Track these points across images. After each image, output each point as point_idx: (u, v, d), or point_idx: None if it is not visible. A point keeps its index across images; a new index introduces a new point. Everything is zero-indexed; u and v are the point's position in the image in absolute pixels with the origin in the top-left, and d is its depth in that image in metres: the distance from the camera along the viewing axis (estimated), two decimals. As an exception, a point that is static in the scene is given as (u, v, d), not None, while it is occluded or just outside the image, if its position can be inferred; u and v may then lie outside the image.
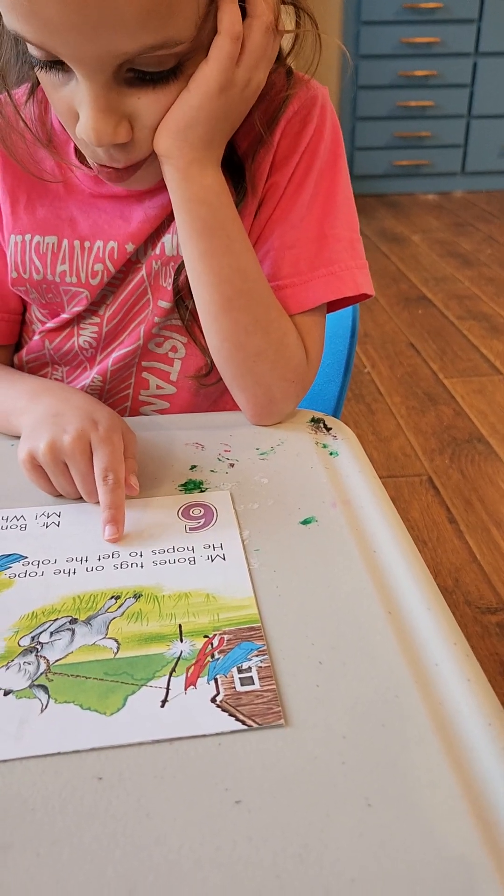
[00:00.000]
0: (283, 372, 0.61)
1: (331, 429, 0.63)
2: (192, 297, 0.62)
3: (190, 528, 0.50)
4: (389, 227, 3.27)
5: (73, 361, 0.69)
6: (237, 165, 0.61)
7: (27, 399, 0.60)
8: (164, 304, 0.65)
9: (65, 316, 0.67)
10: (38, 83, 0.60)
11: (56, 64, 0.49)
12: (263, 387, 0.61)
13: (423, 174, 3.80)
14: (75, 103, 0.51)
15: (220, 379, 0.64)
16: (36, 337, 0.70)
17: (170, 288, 0.64)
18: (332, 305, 0.66)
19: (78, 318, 0.67)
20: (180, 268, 0.63)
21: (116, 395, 0.69)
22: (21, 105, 0.62)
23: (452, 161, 3.77)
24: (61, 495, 0.53)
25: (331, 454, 0.59)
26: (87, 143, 0.51)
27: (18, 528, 0.50)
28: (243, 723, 0.36)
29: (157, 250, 0.64)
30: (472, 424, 1.80)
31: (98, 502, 0.51)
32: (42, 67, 0.50)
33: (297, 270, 0.62)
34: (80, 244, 0.64)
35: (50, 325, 0.68)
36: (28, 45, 0.49)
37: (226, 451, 0.59)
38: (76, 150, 0.62)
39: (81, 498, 0.53)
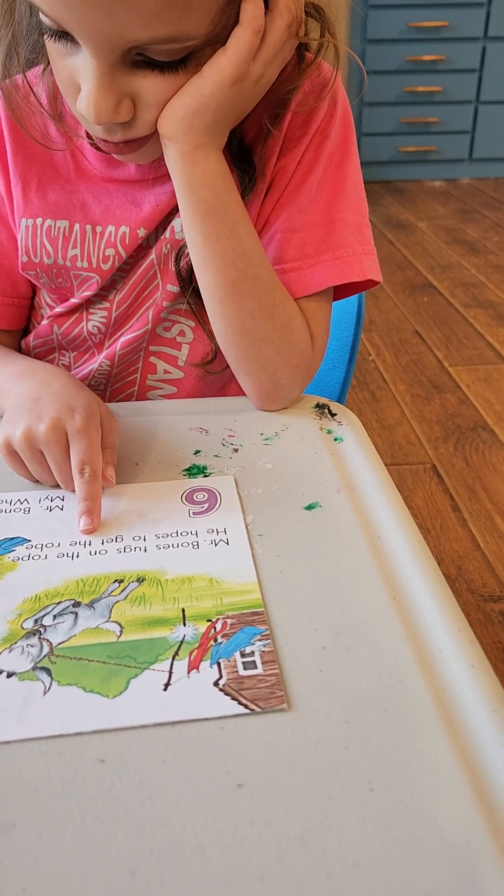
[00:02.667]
0: (288, 357, 0.60)
1: (335, 414, 0.62)
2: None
3: (193, 513, 0.50)
4: (395, 214, 3.25)
5: (81, 347, 0.69)
6: (245, 150, 0.60)
7: (12, 381, 0.59)
8: (173, 287, 0.64)
9: (74, 300, 0.66)
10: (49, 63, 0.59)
11: (66, 35, 0.49)
12: (269, 372, 0.61)
13: (429, 160, 3.77)
14: (79, 76, 0.50)
15: (227, 366, 0.64)
16: (44, 322, 0.69)
17: (177, 270, 0.64)
18: (339, 293, 0.65)
19: (87, 303, 0.67)
20: (180, 251, 0.62)
21: (124, 379, 0.69)
22: (35, 84, 0.61)
23: (460, 147, 3.74)
24: (38, 481, 0.53)
25: (335, 440, 0.59)
26: (86, 118, 0.51)
27: (22, 511, 0.50)
28: (246, 707, 0.36)
29: (167, 234, 0.63)
30: (476, 413, 1.79)
31: (74, 491, 0.50)
32: (52, 36, 0.50)
33: (304, 254, 0.61)
34: (92, 229, 0.63)
35: (59, 309, 0.68)
36: (41, 13, 0.49)
37: (230, 436, 0.59)
38: (87, 133, 0.61)
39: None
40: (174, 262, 0.63)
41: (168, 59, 0.50)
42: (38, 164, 0.64)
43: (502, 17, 3.46)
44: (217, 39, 0.51)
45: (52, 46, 0.51)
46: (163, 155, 0.56)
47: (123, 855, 0.31)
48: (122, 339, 0.67)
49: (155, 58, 0.49)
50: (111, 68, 0.49)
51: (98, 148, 0.61)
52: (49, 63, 0.60)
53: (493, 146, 3.76)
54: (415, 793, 0.33)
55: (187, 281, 0.63)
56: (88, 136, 0.62)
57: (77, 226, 0.64)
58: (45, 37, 0.51)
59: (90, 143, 0.62)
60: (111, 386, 0.69)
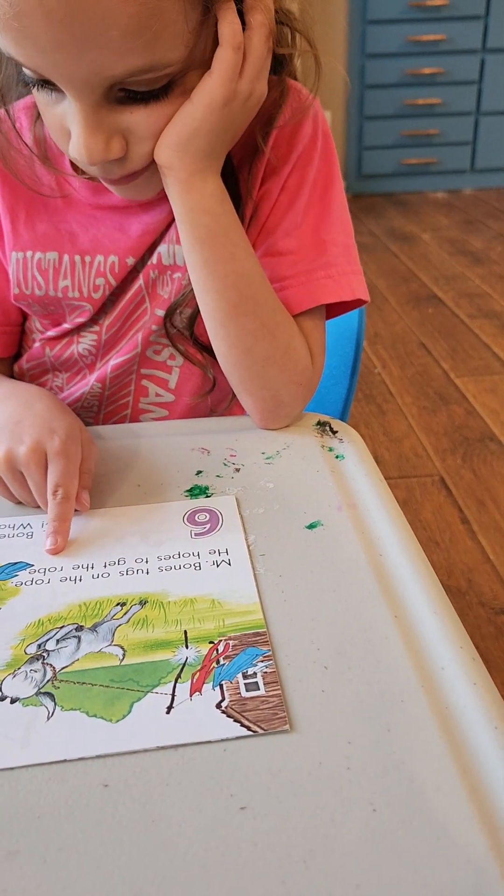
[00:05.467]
0: (291, 375, 0.61)
1: (337, 432, 0.63)
2: (179, 321, 0.64)
3: (195, 534, 0.50)
4: (398, 226, 3.26)
5: (73, 368, 0.70)
6: (230, 174, 0.61)
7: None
8: (161, 312, 0.65)
9: (66, 326, 0.67)
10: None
11: (48, 84, 0.50)
12: (271, 390, 0.61)
13: (431, 172, 3.78)
14: (67, 122, 0.51)
15: (213, 388, 0.65)
16: (36, 344, 0.70)
17: (167, 296, 0.65)
18: (329, 313, 0.66)
19: (77, 327, 0.68)
20: (177, 302, 0.64)
21: (117, 402, 0.70)
22: (18, 120, 0.63)
23: (461, 158, 3.76)
24: (21, 503, 0.54)
25: (337, 457, 0.59)
26: (80, 162, 0.52)
27: (25, 535, 0.50)
28: (248, 728, 0.36)
29: (154, 259, 0.64)
30: (484, 424, 1.79)
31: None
32: (35, 86, 0.51)
33: (296, 272, 0.62)
34: (81, 259, 0.64)
35: (50, 333, 0.69)
36: (22, 67, 0.50)
37: (231, 455, 0.59)
38: (73, 164, 0.63)
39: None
40: (187, 327, 0.65)
41: (149, 89, 0.50)
42: (25, 197, 0.65)
43: (500, 29, 3.49)
44: (197, 63, 0.51)
45: (39, 97, 0.52)
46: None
47: (127, 879, 0.31)
48: (112, 362, 0.68)
49: (136, 89, 0.50)
50: (95, 108, 0.50)
51: (92, 178, 0.62)
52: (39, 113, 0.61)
53: (495, 156, 3.77)
54: (417, 812, 0.33)
55: (171, 318, 0.65)
56: (75, 169, 0.63)
57: (66, 257, 0.64)
58: (31, 88, 0.52)
59: (77, 175, 0.63)
60: (104, 408, 0.70)
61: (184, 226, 0.57)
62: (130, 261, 0.64)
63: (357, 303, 0.65)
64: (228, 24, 0.50)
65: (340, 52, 3.57)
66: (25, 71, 0.50)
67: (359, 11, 3.47)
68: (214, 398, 0.70)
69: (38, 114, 0.62)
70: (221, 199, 0.57)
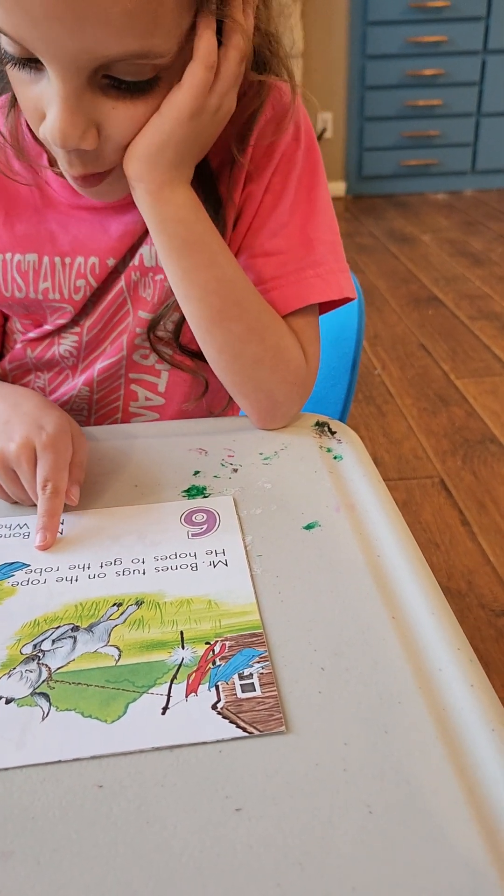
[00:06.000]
0: (283, 375, 0.61)
1: (335, 432, 0.62)
2: (162, 328, 0.64)
3: (192, 534, 0.50)
4: (398, 228, 3.26)
5: (55, 368, 0.70)
6: (208, 178, 0.60)
7: None
8: (145, 314, 0.65)
9: (47, 327, 0.67)
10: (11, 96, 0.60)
11: (30, 61, 0.48)
12: (265, 392, 0.61)
13: (432, 173, 3.78)
14: (44, 102, 0.50)
15: (206, 391, 0.65)
16: (18, 345, 0.70)
17: (149, 299, 0.64)
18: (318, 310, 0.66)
19: (58, 329, 0.67)
20: (161, 314, 0.64)
21: (106, 406, 0.70)
22: None
23: (462, 160, 3.76)
24: (17, 502, 0.54)
25: (335, 458, 0.59)
26: (52, 143, 0.50)
27: (21, 535, 0.50)
28: (244, 730, 0.36)
29: (136, 261, 0.64)
30: (484, 425, 1.79)
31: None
32: (15, 63, 0.49)
33: (285, 272, 0.62)
34: (61, 261, 0.64)
35: (31, 334, 0.68)
36: (3, 39, 0.48)
37: (229, 456, 0.59)
38: (50, 159, 0.63)
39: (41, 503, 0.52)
40: (173, 336, 0.64)
41: (135, 80, 0.49)
42: (3, 197, 0.64)
43: (501, 30, 3.49)
44: (178, 67, 0.51)
45: (16, 75, 0.50)
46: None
47: (122, 880, 0.31)
48: (98, 365, 0.67)
49: (122, 77, 0.49)
50: (77, 91, 0.48)
51: (62, 175, 0.61)
52: (14, 98, 0.60)
53: (496, 158, 3.78)
54: (414, 814, 0.33)
55: (154, 329, 0.64)
56: (51, 163, 0.62)
57: (46, 258, 0.64)
58: (8, 66, 0.50)
59: (54, 172, 0.62)
60: (95, 413, 0.70)
61: (158, 237, 0.57)
62: (111, 262, 0.63)
63: (345, 300, 0.65)
64: (205, 40, 0.50)
65: (341, 53, 3.58)
66: (6, 46, 0.48)
67: (359, 12, 3.47)
68: (211, 400, 0.70)
69: (11, 107, 0.62)
70: (194, 207, 0.57)
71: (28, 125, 0.62)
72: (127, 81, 0.49)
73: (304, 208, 0.63)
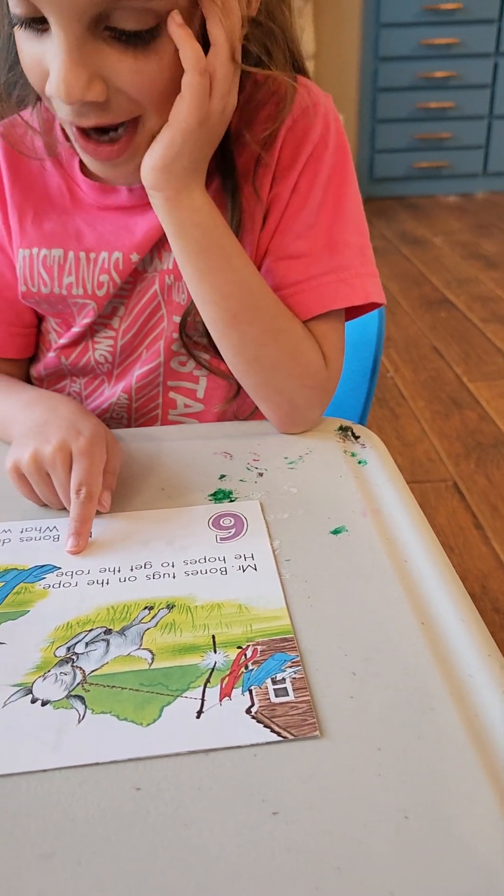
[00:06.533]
0: (301, 379, 0.61)
1: (359, 437, 0.63)
2: (194, 329, 0.64)
3: (221, 538, 0.50)
4: (410, 230, 3.26)
5: (90, 374, 0.70)
6: (232, 175, 0.61)
7: (20, 409, 0.61)
8: (179, 319, 0.65)
9: (76, 329, 0.67)
10: (39, 100, 0.61)
11: (34, 21, 0.49)
12: (285, 395, 0.61)
13: (443, 176, 3.78)
14: (48, 59, 0.50)
15: (237, 394, 0.65)
16: (51, 354, 0.70)
17: (183, 303, 0.65)
18: (346, 315, 0.66)
19: (91, 332, 0.68)
20: (188, 310, 0.64)
21: (146, 415, 0.70)
22: (29, 119, 0.64)
23: (474, 162, 3.75)
24: (46, 505, 0.54)
25: (359, 463, 0.59)
26: (56, 99, 0.50)
27: (51, 538, 0.50)
28: (279, 734, 0.36)
29: (171, 265, 0.64)
30: (497, 429, 1.79)
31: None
32: (21, 24, 0.50)
33: (309, 276, 0.62)
34: (86, 255, 0.65)
35: (63, 341, 0.69)
36: (10, 1, 0.49)
37: (254, 460, 0.60)
38: (81, 164, 0.64)
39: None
40: (180, 322, 0.65)
41: (136, 29, 0.49)
42: (34, 196, 0.66)
43: (514, 33, 3.48)
44: (175, 21, 0.50)
45: (22, 36, 0.51)
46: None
47: (161, 883, 0.31)
48: (136, 372, 0.68)
49: (123, 27, 0.49)
50: (79, 41, 0.49)
51: (85, 172, 0.63)
52: (39, 99, 0.62)
53: (508, 160, 3.76)
54: (449, 820, 0.33)
55: (186, 330, 0.65)
56: (82, 169, 0.64)
57: (71, 253, 0.65)
58: (16, 28, 0.51)
59: (83, 174, 0.64)
60: (134, 421, 0.70)
61: (176, 242, 0.58)
62: (135, 257, 0.64)
63: (373, 305, 0.65)
64: (188, 48, 0.51)
65: (353, 55, 3.58)
66: (13, 9, 0.50)
67: (372, 15, 3.47)
68: (238, 407, 0.70)
69: (36, 103, 0.63)
70: (210, 212, 0.58)
71: (62, 129, 0.63)
72: (128, 32, 0.49)
73: (332, 210, 0.63)
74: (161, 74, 0.52)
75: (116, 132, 0.55)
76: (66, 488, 0.52)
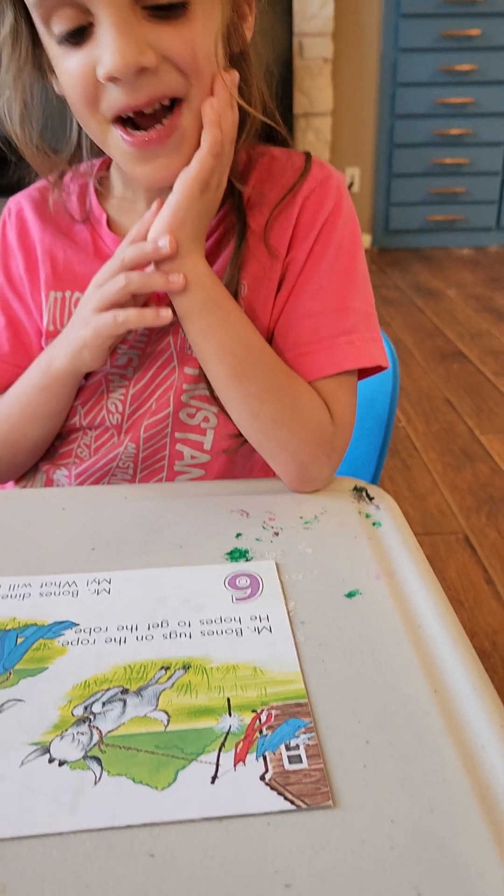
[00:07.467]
0: (303, 435, 0.62)
1: (373, 498, 0.64)
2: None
3: (236, 598, 0.51)
4: (424, 282, 3.31)
5: (101, 426, 0.72)
6: (245, 237, 0.66)
7: (43, 354, 0.68)
8: (191, 370, 0.68)
9: (94, 379, 0.70)
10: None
11: (74, 34, 0.55)
12: (289, 452, 0.63)
13: (457, 229, 3.85)
14: (99, 49, 0.54)
15: (245, 441, 0.67)
16: (73, 418, 0.72)
17: (194, 357, 0.67)
18: None
19: (107, 381, 0.70)
20: None
21: (152, 466, 0.71)
22: (67, 185, 0.71)
23: (487, 216, 3.82)
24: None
25: (374, 524, 0.60)
26: (113, 71, 0.54)
27: (70, 594, 0.51)
28: (292, 802, 0.36)
29: None
30: (508, 482, 1.79)
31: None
32: (66, 39, 0.55)
33: (319, 337, 0.65)
34: None
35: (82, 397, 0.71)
36: (52, 20, 0.55)
37: (270, 519, 0.60)
38: (108, 222, 0.70)
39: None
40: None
41: (169, 2, 0.54)
42: (62, 242, 0.70)
43: (527, 94, 3.57)
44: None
45: (61, 53, 0.57)
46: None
47: None
48: (145, 422, 0.70)
49: (158, 2, 0.54)
50: (125, 17, 0.53)
51: (110, 227, 0.69)
52: (59, 177, 0.70)
53: (521, 216, 3.83)
54: (461, 898, 0.33)
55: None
56: (109, 224, 0.70)
57: None
58: (60, 46, 0.56)
59: (108, 228, 0.70)
60: (140, 472, 0.72)
61: (180, 302, 0.62)
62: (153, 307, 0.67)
63: (377, 369, 0.67)
64: (213, 135, 0.59)
65: (370, 112, 3.68)
66: (56, 27, 0.55)
67: (389, 74, 3.58)
68: (242, 465, 0.72)
69: (55, 186, 0.71)
70: (210, 274, 0.62)
71: (78, 197, 0.68)
72: (163, 6, 0.54)
73: (342, 276, 0.66)
74: (198, 41, 0.56)
75: (161, 123, 0.59)
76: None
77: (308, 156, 0.68)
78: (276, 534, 0.59)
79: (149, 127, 0.58)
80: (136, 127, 0.59)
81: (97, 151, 0.69)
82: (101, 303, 0.63)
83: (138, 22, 0.54)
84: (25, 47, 0.60)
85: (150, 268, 0.62)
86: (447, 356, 2.52)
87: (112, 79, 0.55)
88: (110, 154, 0.62)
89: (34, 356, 0.72)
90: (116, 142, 0.60)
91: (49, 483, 0.74)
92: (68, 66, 0.57)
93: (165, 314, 0.62)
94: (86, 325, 0.64)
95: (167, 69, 0.56)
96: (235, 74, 0.61)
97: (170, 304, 0.63)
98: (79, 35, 0.55)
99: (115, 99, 0.57)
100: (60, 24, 0.55)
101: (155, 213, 0.62)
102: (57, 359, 0.67)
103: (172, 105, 0.58)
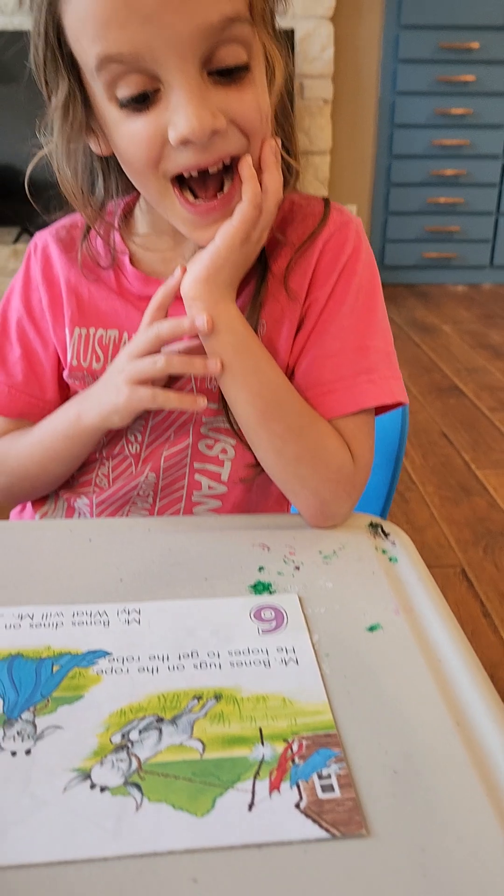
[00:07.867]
0: (325, 473, 0.65)
1: (388, 534, 0.66)
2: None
3: (262, 630, 0.52)
4: (420, 317, 3.36)
5: (120, 454, 0.74)
6: (266, 280, 0.69)
7: (74, 401, 0.70)
8: (211, 404, 0.70)
9: None
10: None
11: (137, 100, 0.56)
12: (310, 489, 0.65)
13: (452, 266, 3.92)
14: (169, 112, 0.56)
15: (261, 471, 0.69)
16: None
17: (215, 390, 0.69)
18: None
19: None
20: None
21: (170, 495, 0.73)
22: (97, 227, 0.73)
23: (481, 255, 3.90)
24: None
25: (390, 559, 0.62)
26: (190, 135, 0.55)
27: (101, 623, 0.53)
28: (327, 831, 0.38)
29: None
30: (505, 517, 1.81)
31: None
32: (132, 103, 0.57)
33: (340, 376, 0.67)
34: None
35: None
36: (119, 85, 0.56)
37: (291, 553, 0.62)
38: (131, 259, 0.72)
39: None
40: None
41: (235, 64, 0.56)
42: (86, 280, 0.72)
43: (521, 137, 3.67)
44: (258, 64, 0.59)
45: (122, 117, 0.58)
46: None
47: None
48: (165, 452, 0.72)
49: (224, 64, 0.56)
50: (197, 82, 0.55)
51: (133, 263, 0.71)
52: (88, 227, 0.72)
53: (514, 255, 3.91)
54: (492, 925, 0.34)
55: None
56: (131, 260, 0.72)
57: (125, 334, 0.71)
58: (125, 110, 0.58)
59: (131, 264, 0.72)
60: (159, 501, 0.74)
61: (213, 348, 0.64)
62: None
63: (395, 405, 0.70)
64: (252, 188, 0.61)
65: (368, 152, 3.77)
66: (121, 93, 0.56)
67: (387, 116, 3.68)
68: (265, 478, 0.74)
69: (85, 236, 0.73)
70: (242, 320, 0.65)
71: (102, 237, 0.72)
72: (229, 69, 0.56)
73: (362, 316, 0.69)
74: (260, 103, 0.59)
75: (223, 190, 0.61)
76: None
77: (327, 202, 0.71)
78: (297, 568, 0.60)
79: (205, 183, 0.61)
80: (191, 185, 0.61)
81: (121, 192, 0.72)
82: (138, 377, 0.65)
83: (206, 86, 0.56)
84: (79, 112, 0.62)
85: (183, 329, 0.64)
86: (444, 391, 2.56)
87: (186, 142, 0.57)
88: (165, 214, 0.64)
89: (46, 388, 0.74)
90: (175, 206, 0.62)
91: (70, 511, 0.76)
92: (133, 129, 0.59)
93: (202, 403, 0.65)
94: (118, 394, 0.65)
95: (233, 131, 0.59)
96: (278, 141, 0.63)
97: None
98: (144, 100, 0.57)
99: (185, 159, 0.59)
100: (127, 89, 0.57)
101: (180, 277, 0.64)
102: (86, 414, 0.68)
103: (232, 163, 0.61)
